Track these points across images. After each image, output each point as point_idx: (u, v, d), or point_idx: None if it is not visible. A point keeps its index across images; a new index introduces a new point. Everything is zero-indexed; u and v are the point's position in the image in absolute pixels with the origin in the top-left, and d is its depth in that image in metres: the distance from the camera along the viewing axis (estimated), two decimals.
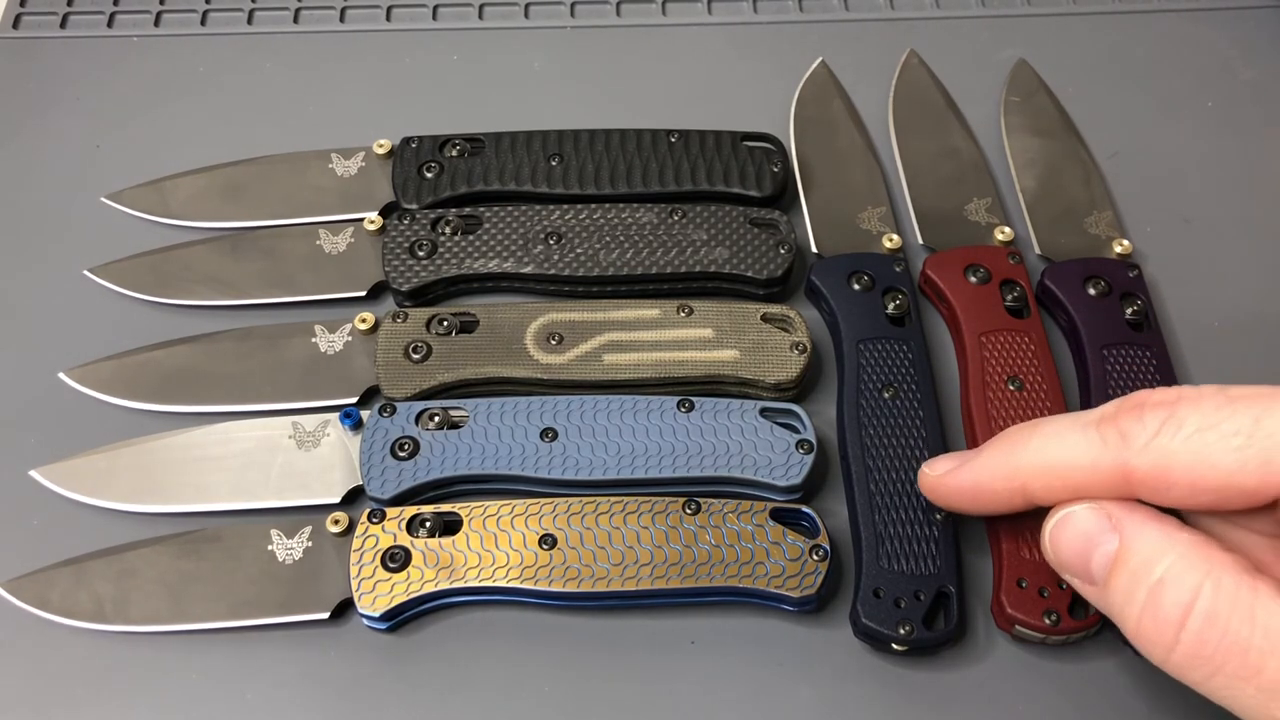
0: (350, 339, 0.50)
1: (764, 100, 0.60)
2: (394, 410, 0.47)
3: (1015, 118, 0.59)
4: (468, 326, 0.50)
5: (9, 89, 0.62)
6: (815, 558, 0.43)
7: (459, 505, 0.45)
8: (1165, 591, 0.34)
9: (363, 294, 0.53)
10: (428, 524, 0.45)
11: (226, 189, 0.56)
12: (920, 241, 0.55)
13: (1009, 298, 0.51)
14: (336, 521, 0.45)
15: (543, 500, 0.45)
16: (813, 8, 0.66)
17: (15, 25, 0.65)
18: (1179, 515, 0.37)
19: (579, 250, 0.52)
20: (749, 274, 0.51)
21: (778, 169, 0.55)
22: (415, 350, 0.49)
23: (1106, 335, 0.49)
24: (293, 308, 0.53)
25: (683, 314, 0.50)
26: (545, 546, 0.44)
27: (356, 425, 0.47)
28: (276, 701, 0.43)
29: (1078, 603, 0.43)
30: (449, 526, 0.45)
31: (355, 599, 0.43)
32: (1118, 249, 0.53)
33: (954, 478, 0.41)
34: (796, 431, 0.46)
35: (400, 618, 0.44)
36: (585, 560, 0.43)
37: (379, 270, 0.53)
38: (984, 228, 0.54)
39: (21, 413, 0.50)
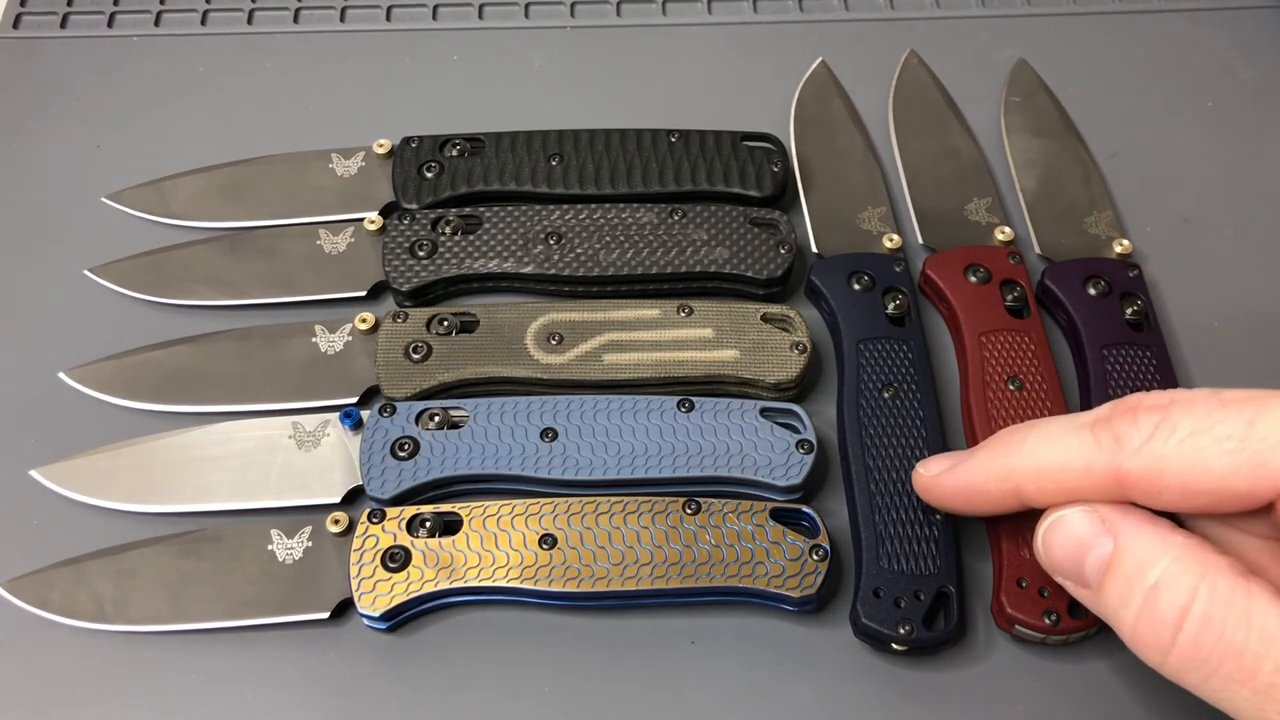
0: (350, 339, 0.50)
1: (764, 100, 0.60)
2: (394, 410, 0.47)
3: (1015, 118, 0.59)
4: (468, 326, 0.50)
5: (9, 89, 0.62)
6: (815, 558, 0.43)
7: (459, 505, 0.45)
8: (1161, 595, 0.34)
9: (363, 294, 0.53)
10: (428, 524, 0.45)
11: (226, 189, 0.56)
12: (920, 241, 0.55)
13: (1009, 298, 0.51)
14: (336, 521, 0.45)
15: (543, 500, 0.45)
16: (813, 8, 0.66)
17: (15, 25, 0.65)
18: (1174, 519, 0.37)
19: (579, 250, 0.52)
20: (749, 274, 0.51)
21: (778, 169, 0.55)
22: (415, 350, 0.49)
23: (1106, 335, 0.49)
24: (293, 308, 0.53)
25: (683, 314, 0.50)
26: (545, 546, 0.44)
27: (356, 425, 0.47)
28: (276, 701, 0.43)
29: (1077, 603, 0.43)
30: (449, 526, 0.45)
31: (355, 599, 0.43)
32: (1118, 249, 0.53)
33: (948, 478, 0.41)
34: (796, 431, 0.46)
35: (400, 618, 0.44)
36: (585, 560, 0.43)
37: (379, 270, 0.53)
38: (984, 228, 0.54)
39: (21, 413, 0.50)
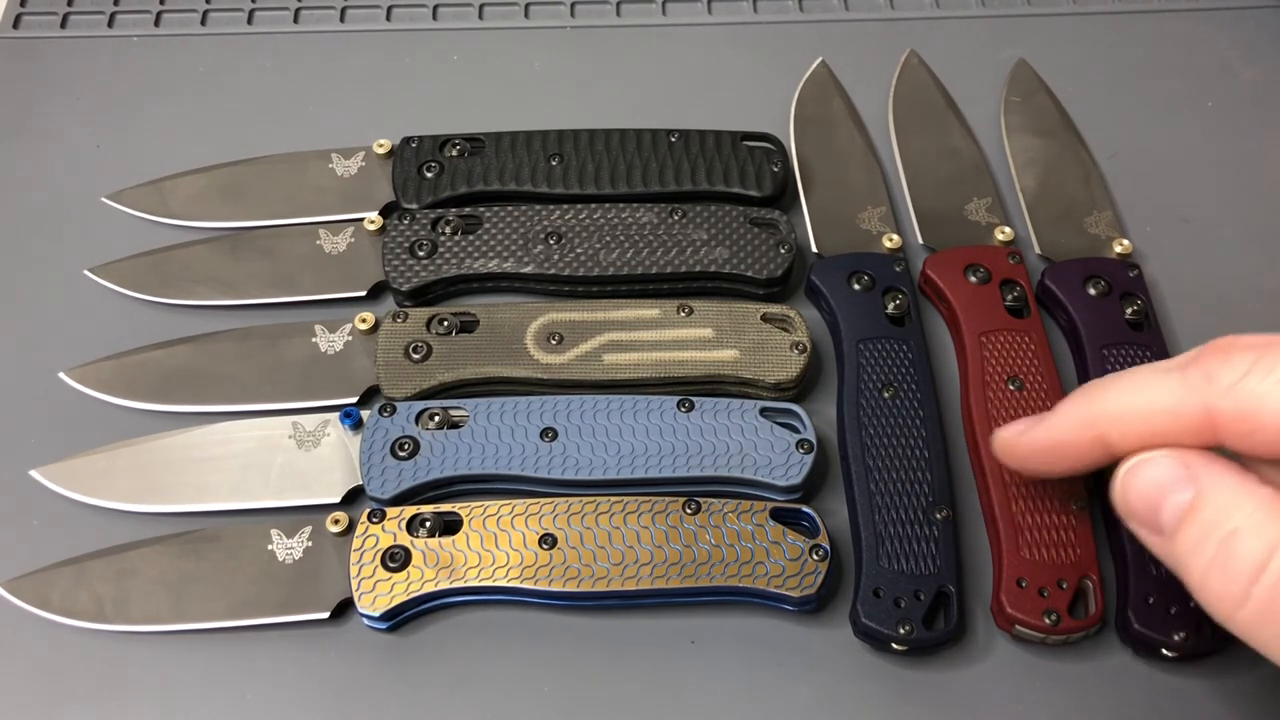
0: (350, 339, 0.50)
1: (764, 100, 0.60)
2: (394, 410, 0.47)
3: (1015, 118, 0.59)
4: (468, 326, 0.50)
5: (9, 89, 0.62)
6: (815, 557, 0.43)
7: (459, 505, 0.45)
8: (1239, 543, 0.32)
9: (363, 294, 0.53)
10: (428, 524, 0.45)
11: (226, 189, 0.56)
12: (920, 241, 0.55)
13: (1009, 298, 0.51)
14: (336, 521, 0.45)
15: (543, 500, 0.45)
16: (813, 8, 0.66)
17: (15, 25, 0.65)
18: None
19: (579, 250, 0.52)
20: (749, 274, 0.51)
21: (778, 169, 0.55)
22: (415, 350, 0.49)
23: (1106, 335, 0.49)
24: (293, 308, 0.53)
25: (683, 314, 0.50)
26: (545, 546, 0.44)
27: (356, 425, 0.47)
28: (276, 701, 0.43)
29: (1078, 602, 0.43)
30: (449, 526, 0.45)
31: (355, 599, 0.43)
32: (1118, 249, 0.53)
33: (1030, 436, 0.40)
34: (796, 431, 0.46)
35: (400, 618, 0.44)
36: (585, 560, 0.43)
37: (379, 270, 0.53)
38: (984, 228, 0.54)
39: (21, 413, 0.50)
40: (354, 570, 0.44)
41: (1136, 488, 0.36)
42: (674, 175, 0.55)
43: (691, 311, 0.50)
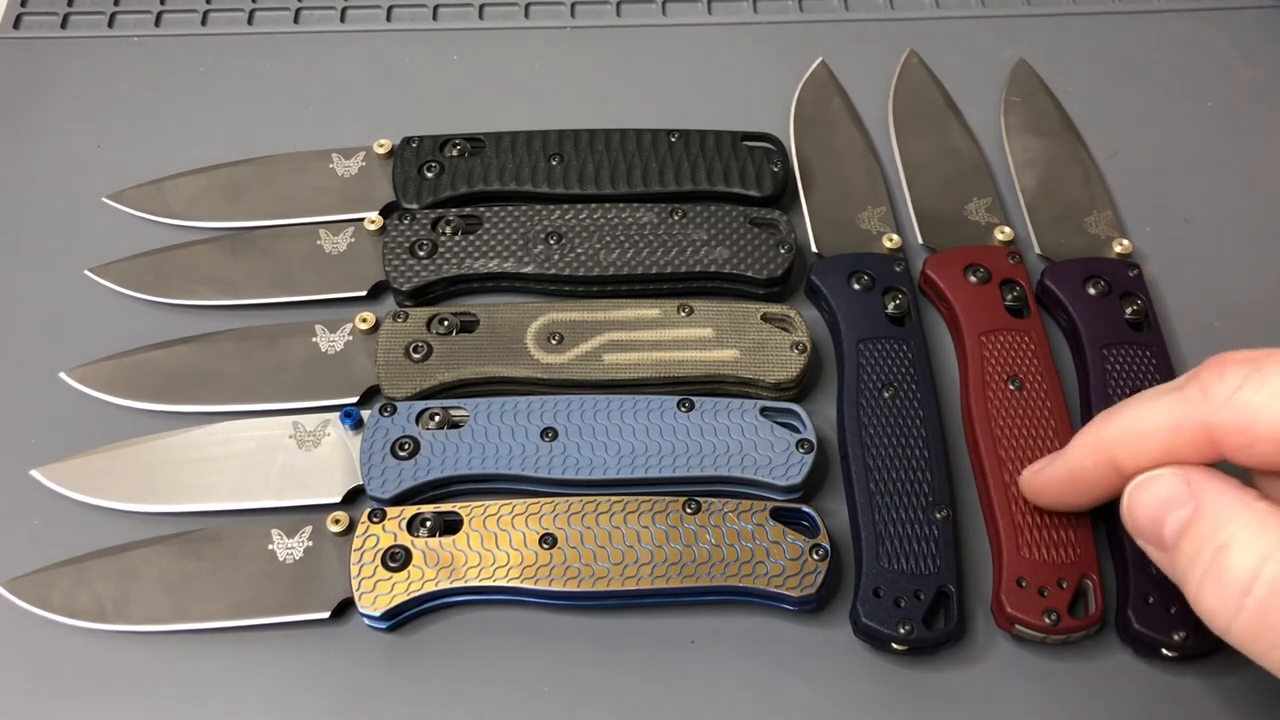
0: (351, 339, 0.50)
1: (764, 100, 0.60)
2: (394, 410, 0.47)
3: (1015, 118, 0.59)
4: (468, 326, 0.50)
5: (9, 89, 0.62)
6: (815, 557, 0.43)
7: (459, 505, 0.45)
8: (1231, 554, 0.33)
9: (363, 294, 0.53)
10: (428, 524, 0.45)
11: (226, 189, 0.56)
12: (920, 241, 0.55)
13: (1009, 297, 0.51)
14: (337, 521, 0.45)
15: (543, 500, 0.45)
16: (813, 8, 0.66)
17: (15, 25, 0.65)
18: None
19: (579, 250, 0.52)
20: (749, 274, 0.51)
21: (778, 169, 0.55)
22: (416, 350, 0.49)
23: (1106, 335, 0.49)
24: (293, 308, 0.53)
25: (683, 314, 0.50)
26: (545, 546, 0.44)
27: (357, 425, 0.47)
28: (276, 701, 0.43)
29: (1077, 602, 0.43)
30: (449, 526, 0.45)
31: (356, 598, 0.43)
32: (1118, 249, 0.53)
33: (1049, 469, 0.42)
34: (796, 431, 0.46)
35: (401, 617, 0.44)
36: (585, 560, 0.43)
37: (379, 270, 0.53)
38: (984, 228, 0.54)
39: (21, 413, 0.50)
40: (354, 570, 0.44)
41: (1141, 505, 0.37)
42: (674, 175, 0.55)
43: (691, 311, 0.50)
